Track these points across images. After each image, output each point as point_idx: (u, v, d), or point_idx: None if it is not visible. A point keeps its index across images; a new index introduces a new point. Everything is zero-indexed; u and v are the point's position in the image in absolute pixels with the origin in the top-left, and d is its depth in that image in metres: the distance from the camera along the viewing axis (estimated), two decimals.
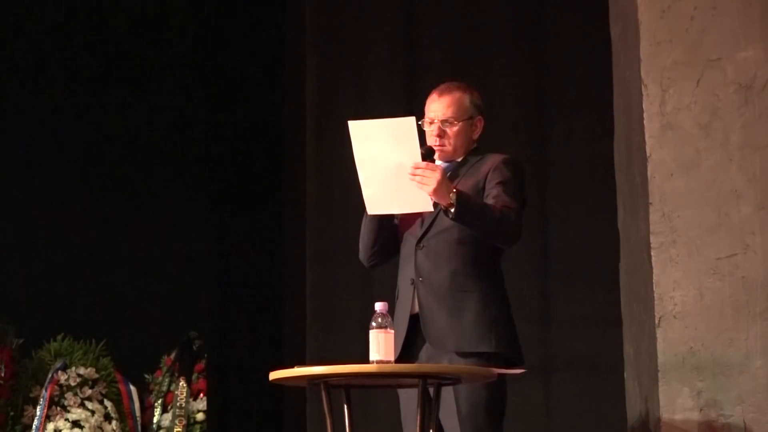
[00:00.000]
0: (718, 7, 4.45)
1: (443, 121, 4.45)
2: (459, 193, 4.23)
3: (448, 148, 4.46)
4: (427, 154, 4.39)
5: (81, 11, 7.21)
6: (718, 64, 4.43)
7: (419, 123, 4.41)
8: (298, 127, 6.79)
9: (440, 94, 4.50)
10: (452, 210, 4.22)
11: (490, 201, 4.34)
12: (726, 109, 4.40)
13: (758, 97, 4.39)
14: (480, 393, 4.28)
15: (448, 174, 4.42)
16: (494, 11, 6.41)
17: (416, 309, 4.36)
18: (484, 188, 4.39)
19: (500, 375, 4.19)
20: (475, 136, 4.52)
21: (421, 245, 4.40)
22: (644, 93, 4.45)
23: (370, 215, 4.41)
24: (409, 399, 4.37)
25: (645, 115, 4.44)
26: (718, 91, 4.42)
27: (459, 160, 4.49)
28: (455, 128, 4.46)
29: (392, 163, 4.24)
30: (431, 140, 4.46)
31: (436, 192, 4.21)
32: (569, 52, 6.26)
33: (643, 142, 4.44)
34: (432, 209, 4.29)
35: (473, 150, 4.51)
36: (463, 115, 4.47)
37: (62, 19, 7.20)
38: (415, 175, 4.21)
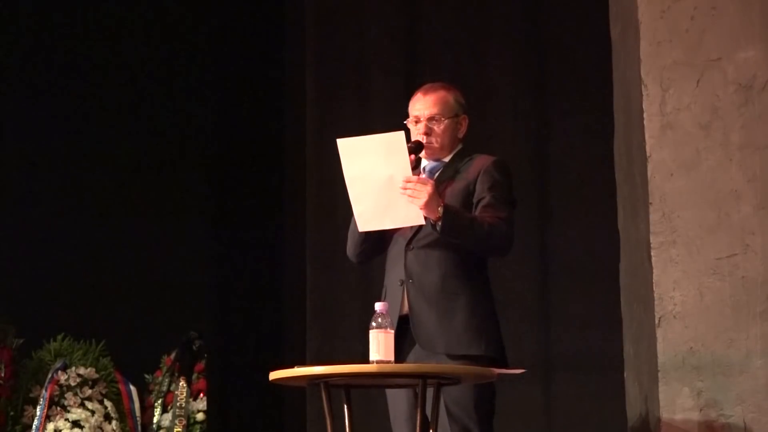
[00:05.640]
0: (718, 7, 4.45)
1: (430, 119, 4.44)
2: (446, 208, 4.23)
3: (436, 145, 4.45)
4: (416, 148, 4.38)
5: (80, 20, 7.21)
6: (718, 64, 4.42)
7: (404, 122, 4.41)
8: (299, 128, 6.80)
9: (425, 93, 4.48)
10: (439, 224, 4.22)
11: (480, 209, 4.33)
12: (726, 109, 4.40)
13: (758, 97, 4.38)
14: (469, 393, 4.28)
15: (437, 174, 4.43)
16: (494, 11, 6.42)
17: (405, 310, 4.35)
18: (474, 191, 4.38)
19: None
20: (461, 134, 4.51)
21: (411, 247, 4.38)
22: (644, 93, 4.44)
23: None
24: (397, 399, 4.37)
25: (645, 115, 4.44)
26: (718, 91, 4.41)
27: (446, 160, 4.48)
28: (442, 125, 4.44)
29: (382, 178, 4.22)
30: (418, 138, 4.44)
31: (427, 205, 4.20)
32: (569, 52, 6.27)
33: (643, 142, 4.43)
34: (423, 223, 4.27)
35: (460, 150, 4.50)
36: (449, 113, 4.46)
37: (63, 27, 7.20)
38: (406, 188, 4.21)
